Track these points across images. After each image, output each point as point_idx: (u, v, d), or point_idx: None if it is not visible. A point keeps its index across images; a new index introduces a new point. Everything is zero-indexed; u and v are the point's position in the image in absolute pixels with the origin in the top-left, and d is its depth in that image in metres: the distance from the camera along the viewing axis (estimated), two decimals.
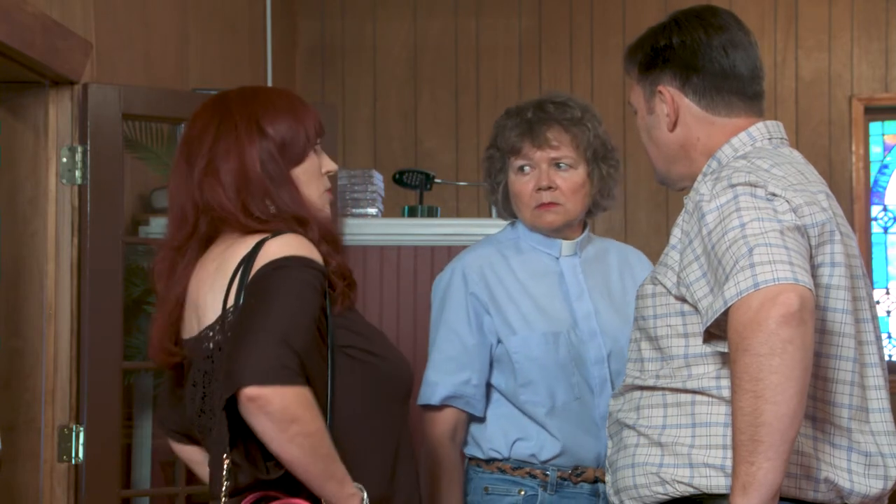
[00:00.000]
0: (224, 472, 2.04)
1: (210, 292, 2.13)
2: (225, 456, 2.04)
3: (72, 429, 3.31)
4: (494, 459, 2.75)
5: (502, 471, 2.74)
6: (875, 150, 6.64)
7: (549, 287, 2.81)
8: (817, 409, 2.06)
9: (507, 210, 2.88)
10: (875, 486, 2.08)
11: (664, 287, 2.13)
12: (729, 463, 2.00)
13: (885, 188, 6.68)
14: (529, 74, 6.49)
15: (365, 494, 2.06)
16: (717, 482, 2.05)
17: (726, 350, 1.98)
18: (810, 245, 2.02)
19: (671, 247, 2.14)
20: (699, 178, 2.21)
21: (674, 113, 2.23)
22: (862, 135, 6.49)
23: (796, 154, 2.21)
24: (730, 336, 1.93)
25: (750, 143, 2.19)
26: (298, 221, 2.15)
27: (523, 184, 2.79)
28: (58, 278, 3.32)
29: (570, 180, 2.79)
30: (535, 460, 2.72)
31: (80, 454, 3.31)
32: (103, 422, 3.35)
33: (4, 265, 3.32)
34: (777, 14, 6.43)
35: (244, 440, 2.03)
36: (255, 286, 2.04)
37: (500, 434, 2.74)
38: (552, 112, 2.80)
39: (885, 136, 6.66)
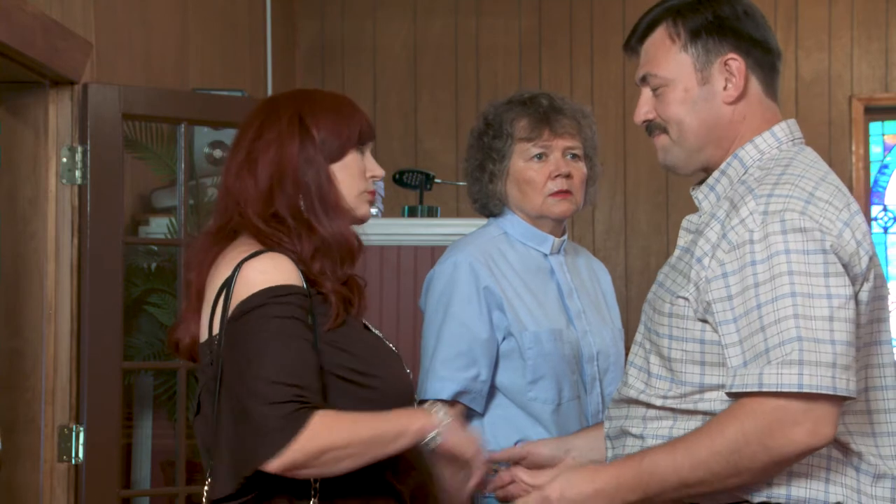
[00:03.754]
0: (203, 500, 2.09)
1: (204, 309, 2.14)
2: (206, 484, 2.08)
3: (72, 429, 3.31)
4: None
5: (497, 473, 2.70)
6: (875, 150, 6.64)
7: (543, 283, 2.80)
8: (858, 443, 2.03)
9: (499, 202, 2.83)
10: None
11: (682, 303, 2.05)
12: (736, 488, 1.98)
13: (885, 188, 6.68)
14: (529, 74, 6.49)
15: (436, 408, 2.12)
16: None
17: None
18: (853, 284, 1.97)
19: (696, 259, 2.04)
20: (720, 177, 2.13)
21: (743, 84, 2.12)
22: (862, 135, 6.49)
23: (818, 158, 2.13)
24: (748, 405, 1.91)
25: (776, 146, 2.12)
26: (308, 228, 2.14)
27: (537, 171, 2.76)
28: (58, 278, 3.32)
29: (581, 171, 2.80)
30: None
31: (80, 454, 3.31)
32: (103, 422, 3.35)
33: (4, 265, 3.32)
34: (777, 14, 6.43)
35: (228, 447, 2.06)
36: (234, 338, 2.04)
37: (500, 435, 2.70)
38: (564, 103, 2.81)
39: (885, 136, 6.66)
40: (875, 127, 6.62)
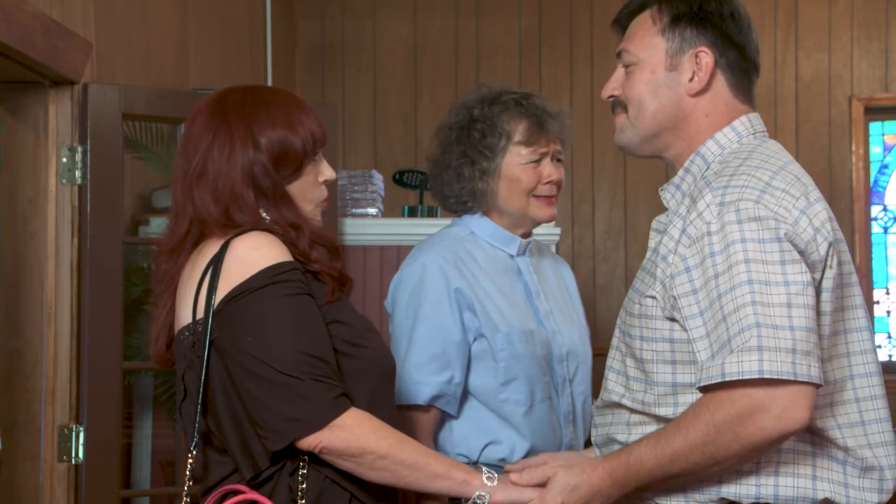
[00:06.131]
0: (187, 472, 2.07)
1: (184, 294, 2.14)
2: (189, 457, 2.07)
3: (72, 429, 3.31)
4: None
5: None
6: (875, 150, 6.64)
7: (511, 284, 2.77)
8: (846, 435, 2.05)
9: (483, 200, 2.79)
10: (870, 500, 2.06)
11: (650, 302, 2.07)
12: (725, 489, 2.00)
13: (885, 188, 6.69)
14: (529, 74, 6.49)
15: (483, 469, 2.15)
16: None
17: None
18: (811, 271, 1.98)
19: (661, 257, 2.05)
20: (685, 175, 2.14)
21: (707, 79, 2.13)
22: (862, 135, 6.49)
23: (781, 150, 2.14)
24: (717, 396, 1.92)
25: (736, 140, 2.13)
26: (293, 228, 2.15)
27: (530, 174, 2.75)
28: (58, 278, 3.32)
29: (562, 174, 2.81)
30: (503, 464, 2.61)
31: (80, 454, 3.31)
32: (103, 422, 3.35)
33: (4, 265, 3.32)
34: (777, 14, 6.43)
35: (220, 435, 2.08)
36: (247, 316, 2.04)
37: (470, 438, 2.67)
38: (552, 106, 2.81)
39: (885, 136, 6.66)
40: (875, 127, 6.62)
